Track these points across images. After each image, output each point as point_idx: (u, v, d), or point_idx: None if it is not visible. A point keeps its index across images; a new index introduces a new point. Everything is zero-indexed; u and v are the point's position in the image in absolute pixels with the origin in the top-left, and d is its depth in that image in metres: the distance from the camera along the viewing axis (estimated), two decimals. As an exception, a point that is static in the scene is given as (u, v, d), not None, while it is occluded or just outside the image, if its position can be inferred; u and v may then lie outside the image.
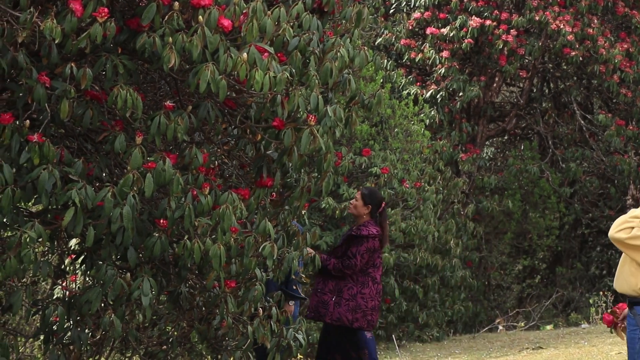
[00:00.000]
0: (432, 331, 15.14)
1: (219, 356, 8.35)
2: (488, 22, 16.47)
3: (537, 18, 16.70)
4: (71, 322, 7.03)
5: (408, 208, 13.95)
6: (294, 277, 9.13)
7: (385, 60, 16.90)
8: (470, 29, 16.37)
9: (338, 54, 7.14)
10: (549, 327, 16.88)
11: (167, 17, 6.32)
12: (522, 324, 17.06)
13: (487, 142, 19.66)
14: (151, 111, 7.01)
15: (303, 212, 8.19)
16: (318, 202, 12.62)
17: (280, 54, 6.83)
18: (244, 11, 6.54)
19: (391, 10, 17.91)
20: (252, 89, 6.52)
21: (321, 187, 7.67)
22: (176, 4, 6.31)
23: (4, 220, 6.31)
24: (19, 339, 9.03)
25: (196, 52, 6.30)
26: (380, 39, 17.28)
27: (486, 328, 16.54)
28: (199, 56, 6.34)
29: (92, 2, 6.09)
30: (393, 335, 14.21)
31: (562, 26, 16.71)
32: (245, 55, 6.41)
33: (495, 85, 18.33)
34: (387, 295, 14.24)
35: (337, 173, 12.24)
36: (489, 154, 19.71)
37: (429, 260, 14.26)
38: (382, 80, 14.81)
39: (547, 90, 20.29)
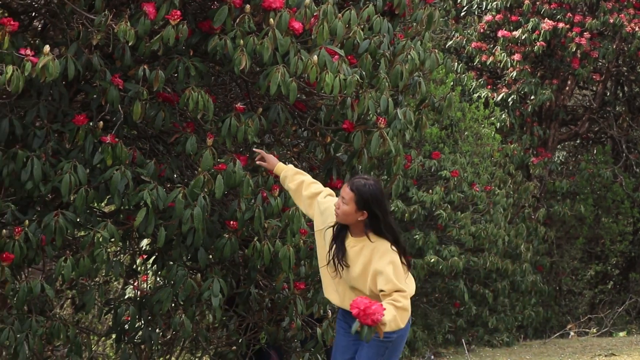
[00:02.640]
0: (502, 336, 15.00)
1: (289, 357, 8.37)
2: (561, 24, 16.29)
3: (611, 21, 16.48)
4: (142, 321, 7.11)
5: (478, 212, 13.84)
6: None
7: (456, 63, 16.80)
8: (542, 31, 16.18)
9: (409, 56, 7.12)
10: (622, 334, 16.63)
11: (238, 19, 6.36)
12: (594, 330, 16.84)
13: (558, 146, 19.43)
14: (222, 113, 7.07)
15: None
16: (387, 205, 12.58)
17: (351, 56, 6.84)
18: (314, 14, 6.56)
19: (462, 13, 17.80)
20: (322, 91, 6.54)
21: (390, 189, 7.66)
22: (248, 6, 6.35)
23: (78, 220, 6.39)
24: (91, 337, 9.14)
25: (267, 54, 6.34)
26: (451, 42, 17.17)
27: (557, 334, 16.33)
28: (270, 58, 6.38)
29: (165, 5, 6.15)
30: (462, 340, 14.12)
31: (637, 29, 16.47)
32: (315, 57, 6.43)
33: (567, 88, 18.12)
34: (456, 300, 14.16)
35: (406, 176, 12.21)
36: (560, 157, 19.48)
37: (499, 264, 14.13)
38: (452, 83, 14.74)
39: (621, 94, 20.02)
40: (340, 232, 5.63)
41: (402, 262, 5.48)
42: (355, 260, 5.52)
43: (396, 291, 5.32)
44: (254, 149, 6.44)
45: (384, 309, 5.01)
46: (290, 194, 6.20)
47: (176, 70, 6.49)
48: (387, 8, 7.28)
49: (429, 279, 13.81)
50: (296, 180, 6.07)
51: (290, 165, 6.24)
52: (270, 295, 7.74)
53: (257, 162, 6.34)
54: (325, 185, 7.31)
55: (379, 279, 5.38)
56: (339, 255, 5.61)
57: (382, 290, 5.34)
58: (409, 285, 5.52)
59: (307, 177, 6.09)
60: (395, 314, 5.22)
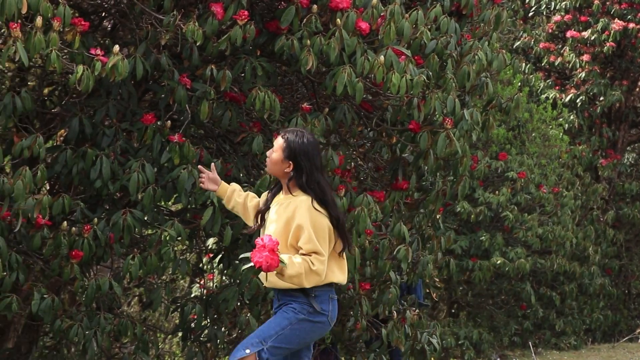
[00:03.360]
0: (569, 339, 14.86)
1: (353, 357, 8.38)
2: (631, 25, 16.08)
3: (683, 21, 16.24)
4: (208, 320, 7.16)
5: (545, 213, 13.73)
6: (427, 281, 9.06)
7: (524, 64, 16.67)
8: (612, 32, 15.99)
9: (476, 57, 7.08)
10: (691, 338, 16.39)
11: (305, 19, 6.37)
12: (664, 335, 16.61)
13: (628, 148, 19.17)
14: (288, 113, 7.09)
15: (438, 215, 8.15)
16: (453, 206, 12.54)
17: (418, 56, 6.81)
18: (381, 14, 6.55)
19: (530, 13, 17.65)
20: (389, 91, 6.52)
21: (457, 190, 7.62)
22: (315, 6, 6.36)
23: (145, 218, 6.46)
24: (158, 335, 9.23)
25: (334, 54, 6.34)
26: (519, 42, 17.05)
27: (626, 338, 16.13)
28: (337, 59, 6.38)
29: (232, 5, 6.19)
30: (529, 342, 14.02)
31: None
32: (382, 58, 6.41)
33: (638, 89, 17.88)
34: (522, 302, 14.05)
35: (472, 177, 12.14)
36: (630, 159, 19.22)
37: (567, 267, 14.01)
38: (520, 83, 14.64)
39: (692, 96, 19.72)
40: (276, 191, 5.47)
41: (335, 230, 5.28)
42: (280, 217, 5.27)
43: (315, 252, 5.13)
44: (199, 167, 6.11)
45: (279, 262, 4.88)
46: (236, 211, 5.88)
47: (243, 70, 6.52)
48: (455, 8, 7.25)
49: (495, 280, 13.74)
50: (242, 194, 5.85)
51: (233, 183, 6.00)
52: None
53: (201, 186, 5.98)
54: (391, 186, 7.33)
55: (301, 234, 5.17)
56: (261, 210, 5.47)
57: (301, 248, 5.15)
58: (339, 272, 5.37)
59: (250, 193, 5.92)
60: (301, 272, 5.05)
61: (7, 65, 6.76)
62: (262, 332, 5.24)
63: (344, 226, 5.30)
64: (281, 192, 5.41)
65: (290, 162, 5.27)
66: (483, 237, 12.66)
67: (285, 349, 5.24)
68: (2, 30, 6.26)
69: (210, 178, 5.89)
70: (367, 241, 7.00)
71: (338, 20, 6.36)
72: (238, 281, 6.81)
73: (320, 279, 5.15)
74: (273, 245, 4.83)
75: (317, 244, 5.12)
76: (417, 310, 8.11)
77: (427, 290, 9.75)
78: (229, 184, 5.89)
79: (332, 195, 5.32)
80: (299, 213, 5.17)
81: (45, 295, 6.22)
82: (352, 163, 7.71)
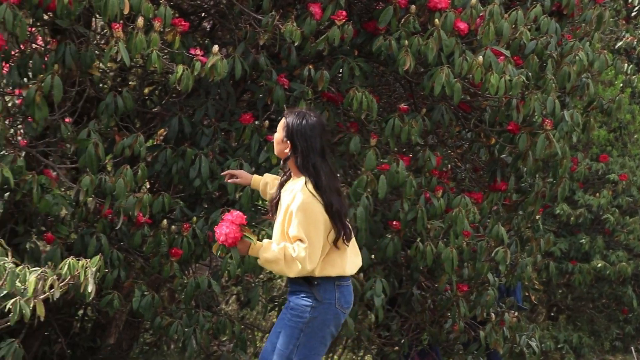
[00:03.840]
0: (673, 345, 14.58)
1: (451, 359, 8.33)
2: None
3: None
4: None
5: (648, 217, 13.46)
6: (526, 283, 8.96)
7: (626, 65, 16.37)
8: None
9: (577, 57, 6.97)
10: None
11: (403, 20, 6.36)
12: None
13: None
14: (385, 113, 7.08)
15: (537, 217, 8.06)
16: (552, 208, 12.37)
17: (517, 57, 6.75)
18: (480, 14, 6.50)
19: (633, 13, 17.34)
20: (487, 92, 6.48)
21: (556, 192, 7.52)
22: (413, 7, 6.34)
23: (243, 217, 6.50)
24: (256, 333, 9.28)
25: (431, 55, 6.31)
26: (621, 43, 16.74)
27: None
28: (434, 59, 6.35)
29: (331, 6, 6.21)
30: (631, 347, 13.77)
31: None
32: (480, 58, 6.37)
33: None
34: (624, 306, 13.80)
35: (572, 179, 11.95)
36: None
37: (670, 271, 13.72)
38: (622, 84, 14.38)
39: None
40: (286, 178, 5.31)
41: (333, 222, 5.05)
42: (283, 204, 5.16)
43: (299, 239, 4.97)
44: (222, 173, 6.04)
45: (243, 237, 4.86)
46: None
47: (341, 70, 6.53)
48: (555, 8, 7.15)
49: (596, 284, 13.50)
50: (274, 186, 5.58)
51: (267, 174, 5.88)
52: (432, 297, 7.72)
53: (229, 181, 5.84)
54: (489, 188, 7.26)
55: (291, 220, 5.03)
56: (273, 199, 5.32)
57: (289, 234, 5.04)
58: (340, 264, 5.15)
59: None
60: (279, 258, 4.94)
61: (109, 65, 6.88)
62: (281, 353, 5.13)
63: (339, 214, 5.05)
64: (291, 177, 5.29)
65: (289, 142, 5.11)
66: (583, 240, 12.45)
67: (315, 354, 5.15)
68: (105, 31, 6.39)
69: (240, 176, 5.82)
70: (464, 243, 6.95)
71: (436, 20, 6.33)
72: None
73: (304, 269, 4.97)
74: (239, 220, 4.83)
75: (300, 230, 4.96)
76: (515, 313, 8.03)
77: (526, 293, 9.64)
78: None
79: (331, 181, 5.08)
80: (295, 198, 5.03)
81: (145, 293, 6.31)
82: (450, 164, 7.66)
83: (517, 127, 6.90)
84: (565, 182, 7.48)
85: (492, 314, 7.76)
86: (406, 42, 6.31)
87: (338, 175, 5.34)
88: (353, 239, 5.20)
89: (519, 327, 8.01)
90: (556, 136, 6.90)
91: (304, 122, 5.08)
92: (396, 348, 7.99)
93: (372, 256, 7.08)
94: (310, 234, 4.96)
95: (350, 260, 5.19)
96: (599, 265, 12.40)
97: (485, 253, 7.27)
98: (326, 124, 5.35)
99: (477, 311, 7.64)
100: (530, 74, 6.77)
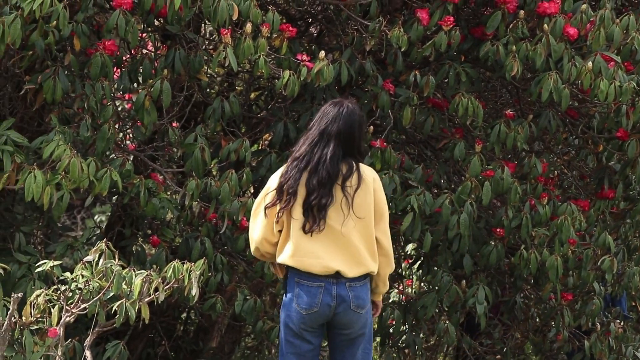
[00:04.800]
0: None
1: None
2: None
3: None
4: (407, 325, 7.15)
5: None
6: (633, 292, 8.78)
7: None
8: None
9: (692, 64, 6.81)
10: None
11: (511, 25, 6.30)
12: None
13: None
14: (491, 119, 7.01)
15: (645, 226, 7.90)
16: (661, 217, 12.12)
17: (628, 62, 6.61)
18: (590, 19, 6.39)
19: None
20: (596, 98, 6.37)
21: (669, 200, 7.37)
22: (522, 12, 6.27)
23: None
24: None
25: (540, 60, 6.24)
26: None
27: None
28: (542, 65, 6.28)
29: (438, 11, 6.17)
30: None
31: None
32: (590, 64, 6.27)
33: None
34: None
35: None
36: None
37: None
38: None
39: None
40: None
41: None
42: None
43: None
44: None
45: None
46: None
47: (447, 75, 6.49)
48: (669, 12, 7.00)
49: None
50: None
51: None
52: (536, 305, 7.62)
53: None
54: (596, 195, 7.15)
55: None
56: None
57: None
58: (286, 251, 4.96)
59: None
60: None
61: (217, 70, 6.95)
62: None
63: (281, 189, 4.91)
64: None
65: None
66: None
67: (285, 354, 5.08)
68: (214, 37, 6.45)
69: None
70: (570, 251, 6.84)
71: (545, 25, 6.25)
72: (437, 288, 6.78)
73: (252, 247, 5.07)
74: None
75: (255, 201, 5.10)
76: (622, 323, 7.88)
77: (633, 303, 9.43)
78: (429, 190, 5.86)
79: (302, 154, 4.92)
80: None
81: (248, 297, 6.35)
82: (556, 171, 7.55)
83: (627, 134, 6.77)
84: (677, 190, 7.33)
85: (598, 324, 7.63)
86: (514, 47, 6.24)
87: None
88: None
89: (625, 337, 7.85)
90: (667, 143, 6.76)
91: (334, 105, 5.05)
92: (498, 357, 7.91)
93: (475, 263, 7.01)
94: (257, 206, 5.12)
95: (293, 248, 4.99)
96: None
97: (591, 262, 7.14)
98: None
99: (582, 321, 7.51)
100: (641, 80, 6.64)
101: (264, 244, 5.02)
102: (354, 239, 4.91)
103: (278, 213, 4.92)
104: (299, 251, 4.93)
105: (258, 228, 5.00)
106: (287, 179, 4.90)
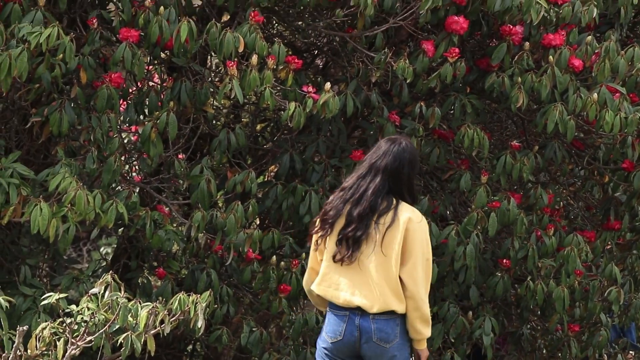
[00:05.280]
0: None
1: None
2: None
3: None
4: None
5: None
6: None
7: None
8: None
9: (697, 93, 6.82)
10: None
11: (516, 57, 6.32)
12: None
13: None
14: (497, 150, 7.02)
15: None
16: (667, 247, 12.11)
17: (633, 94, 6.63)
18: (595, 51, 6.42)
19: None
20: (602, 129, 6.38)
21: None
22: (527, 44, 6.30)
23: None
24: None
25: (545, 92, 6.26)
26: None
27: None
28: (548, 96, 6.30)
29: (443, 43, 6.18)
30: None
31: None
32: (595, 95, 6.28)
33: None
34: None
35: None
36: None
37: None
38: None
39: None
40: None
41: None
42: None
43: None
44: None
45: None
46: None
47: (452, 107, 6.50)
48: (674, 44, 7.01)
49: None
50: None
51: None
52: (543, 337, 7.59)
53: None
54: (602, 226, 7.14)
55: None
56: None
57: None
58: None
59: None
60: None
61: (223, 102, 6.97)
62: None
63: (323, 218, 5.00)
64: None
65: None
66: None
67: None
68: (220, 69, 6.47)
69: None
70: (576, 282, 6.82)
71: (550, 57, 6.28)
72: (443, 319, 6.76)
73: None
74: None
75: None
76: (632, 353, 7.86)
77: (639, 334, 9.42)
78: (434, 221, 5.84)
79: (349, 185, 4.96)
80: None
81: (254, 329, 6.33)
82: (562, 202, 7.54)
83: (632, 165, 6.78)
84: (684, 220, 7.33)
85: (605, 355, 7.61)
86: (519, 79, 6.26)
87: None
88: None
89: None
90: (674, 174, 6.75)
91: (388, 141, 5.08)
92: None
93: (482, 294, 6.99)
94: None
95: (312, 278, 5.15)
96: None
97: (597, 293, 7.13)
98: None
99: (589, 352, 7.49)
100: (646, 111, 6.65)
101: (312, 273, 5.10)
102: (377, 276, 4.89)
103: (317, 241, 5.00)
104: (325, 281, 5.00)
105: (309, 259, 5.13)
106: (330, 209, 4.94)
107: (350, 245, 4.87)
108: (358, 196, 4.88)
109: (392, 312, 4.93)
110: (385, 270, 4.88)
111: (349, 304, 4.93)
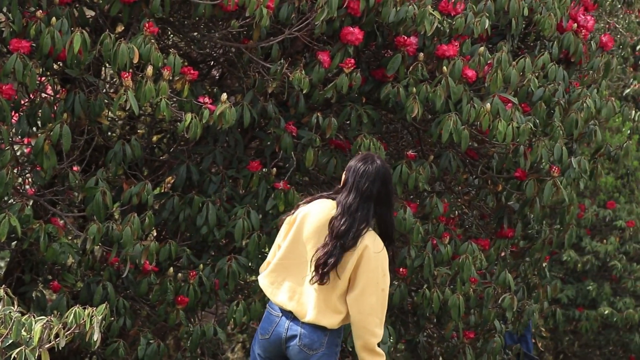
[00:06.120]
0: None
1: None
2: None
3: None
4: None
5: (656, 263, 13.40)
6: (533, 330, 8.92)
7: (634, 111, 16.39)
8: None
9: (584, 104, 6.99)
10: None
11: (411, 67, 6.39)
12: None
13: None
14: (393, 160, 7.08)
15: (544, 264, 8.04)
16: (559, 255, 12.34)
17: (524, 104, 6.77)
18: (488, 61, 6.53)
19: (640, 60, 17.38)
20: (495, 139, 6.49)
21: (563, 239, 7.52)
22: (421, 54, 6.38)
23: (250, 264, 6.48)
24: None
25: (439, 102, 6.34)
26: (629, 90, 16.76)
27: None
28: (442, 106, 6.38)
29: (339, 54, 6.23)
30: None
31: None
32: (488, 105, 6.39)
33: None
34: (632, 353, 13.74)
35: (580, 226, 11.94)
36: None
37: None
38: (629, 131, 14.40)
39: None
40: None
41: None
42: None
43: None
44: None
45: None
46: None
47: (349, 117, 6.54)
48: (563, 56, 7.17)
49: (603, 331, 13.44)
50: None
51: None
52: (439, 344, 7.67)
53: None
54: (496, 234, 7.26)
55: None
56: None
57: None
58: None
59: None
60: None
61: (118, 113, 6.90)
62: None
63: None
64: None
65: None
66: (590, 287, 12.42)
67: None
68: (114, 80, 6.41)
69: None
70: (471, 289, 6.92)
71: (444, 67, 6.37)
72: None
73: None
74: None
75: None
76: (523, 361, 8.00)
77: (533, 340, 9.60)
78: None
79: (350, 205, 4.85)
80: None
81: (151, 341, 6.28)
82: (457, 211, 7.66)
83: (525, 174, 6.91)
84: (572, 229, 7.49)
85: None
86: (414, 89, 6.33)
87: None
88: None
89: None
90: (563, 183, 6.90)
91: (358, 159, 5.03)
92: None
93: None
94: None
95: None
96: (606, 312, 12.35)
97: (492, 300, 7.25)
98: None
99: (483, 358, 7.60)
100: (537, 121, 6.78)
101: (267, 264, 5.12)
102: (320, 291, 4.87)
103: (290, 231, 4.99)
104: (271, 277, 5.02)
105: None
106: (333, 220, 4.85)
107: (318, 269, 4.83)
108: (345, 228, 4.82)
109: (322, 327, 4.91)
110: (330, 289, 4.85)
111: (284, 306, 4.94)
